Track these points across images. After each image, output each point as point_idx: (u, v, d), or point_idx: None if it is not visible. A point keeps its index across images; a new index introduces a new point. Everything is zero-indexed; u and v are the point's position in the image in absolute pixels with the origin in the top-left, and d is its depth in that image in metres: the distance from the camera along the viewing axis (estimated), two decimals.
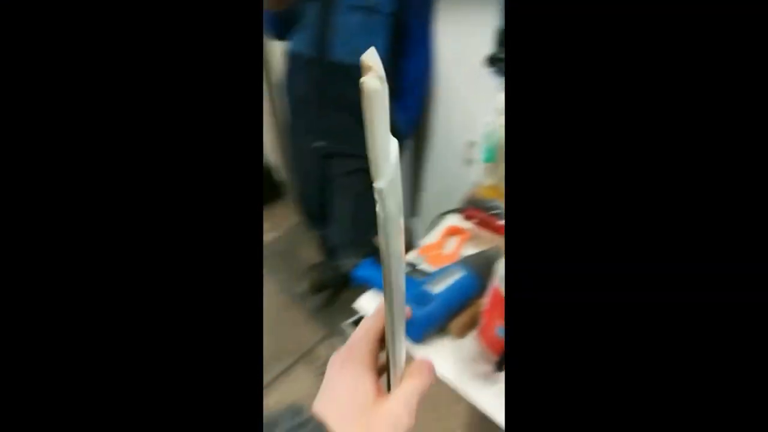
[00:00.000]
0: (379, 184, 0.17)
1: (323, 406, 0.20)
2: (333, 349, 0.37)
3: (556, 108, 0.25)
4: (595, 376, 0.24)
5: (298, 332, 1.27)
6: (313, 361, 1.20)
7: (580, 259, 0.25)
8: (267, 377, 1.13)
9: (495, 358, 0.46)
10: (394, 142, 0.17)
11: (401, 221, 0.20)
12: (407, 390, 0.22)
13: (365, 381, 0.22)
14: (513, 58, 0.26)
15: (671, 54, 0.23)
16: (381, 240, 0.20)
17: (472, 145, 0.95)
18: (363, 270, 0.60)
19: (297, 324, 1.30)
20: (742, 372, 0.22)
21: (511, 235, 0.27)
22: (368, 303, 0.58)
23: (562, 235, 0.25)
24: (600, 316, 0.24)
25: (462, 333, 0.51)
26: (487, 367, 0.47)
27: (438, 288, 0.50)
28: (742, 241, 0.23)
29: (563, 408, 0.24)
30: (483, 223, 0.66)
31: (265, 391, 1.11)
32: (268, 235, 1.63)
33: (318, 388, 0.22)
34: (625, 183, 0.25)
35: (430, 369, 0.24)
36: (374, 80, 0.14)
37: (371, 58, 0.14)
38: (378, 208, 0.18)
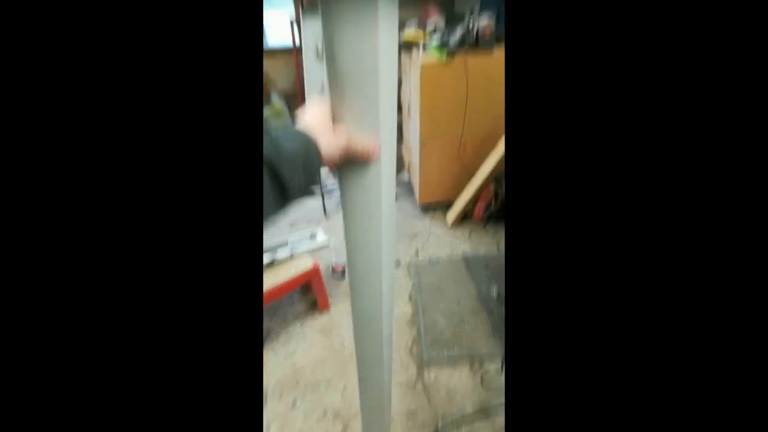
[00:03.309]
0: None
1: (302, 119, 0.37)
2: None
3: (557, 109, 0.25)
4: (595, 376, 0.25)
5: (475, 339, 1.36)
6: (477, 369, 1.25)
7: (578, 261, 0.25)
8: (427, 356, 1.29)
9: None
10: None
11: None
12: (353, 138, 0.37)
13: (324, 115, 0.37)
14: (513, 65, 0.27)
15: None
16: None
17: None
18: None
19: (478, 332, 1.39)
20: (740, 372, 0.22)
21: (511, 236, 0.28)
22: None
23: (562, 236, 0.25)
24: (599, 317, 0.25)
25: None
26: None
27: None
28: (740, 242, 0.22)
29: (562, 407, 0.25)
30: None
31: (424, 368, 1.27)
32: (494, 248, 1.81)
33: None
34: (624, 184, 0.24)
35: (374, 147, 0.38)
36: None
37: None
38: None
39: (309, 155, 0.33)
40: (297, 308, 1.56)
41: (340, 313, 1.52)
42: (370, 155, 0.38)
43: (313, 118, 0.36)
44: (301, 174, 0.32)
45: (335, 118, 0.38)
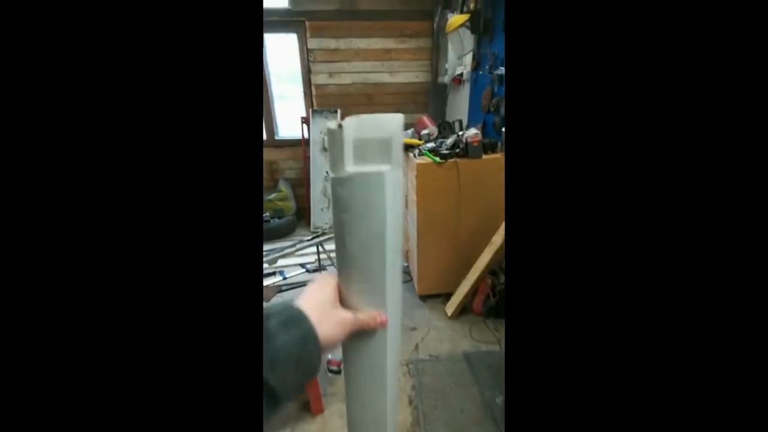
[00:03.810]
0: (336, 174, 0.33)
1: (301, 302, 0.33)
2: None
3: (555, 113, 0.25)
4: (594, 377, 0.24)
5: None
6: None
7: (578, 261, 0.24)
8: None
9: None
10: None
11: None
12: (358, 315, 0.35)
13: (330, 293, 0.35)
14: (513, 71, 0.28)
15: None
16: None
17: None
18: None
19: None
20: (740, 372, 0.21)
21: (511, 237, 0.28)
22: None
23: (561, 236, 0.25)
24: (599, 317, 0.24)
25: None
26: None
27: None
28: (740, 243, 0.21)
29: (561, 408, 0.25)
30: None
31: None
32: (495, 345, 1.73)
33: None
34: (623, 184, 0.24)
35: (381, 321, 0.36)
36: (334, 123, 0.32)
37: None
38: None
39: (306, 348, 0.30)
40: (288, 409, 1.45)
41: (333, 417, 1.41)
42: (378, 327, 0.36)
43: (316, 300, 0.34)
44: (295, 373, 0.29)
45: (342, 297, 0.37)
